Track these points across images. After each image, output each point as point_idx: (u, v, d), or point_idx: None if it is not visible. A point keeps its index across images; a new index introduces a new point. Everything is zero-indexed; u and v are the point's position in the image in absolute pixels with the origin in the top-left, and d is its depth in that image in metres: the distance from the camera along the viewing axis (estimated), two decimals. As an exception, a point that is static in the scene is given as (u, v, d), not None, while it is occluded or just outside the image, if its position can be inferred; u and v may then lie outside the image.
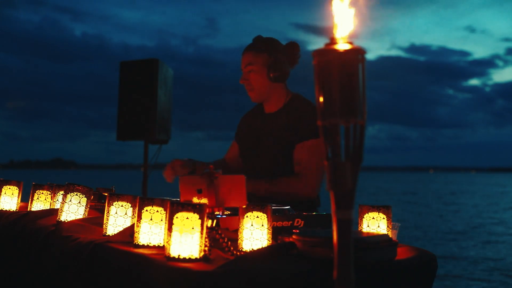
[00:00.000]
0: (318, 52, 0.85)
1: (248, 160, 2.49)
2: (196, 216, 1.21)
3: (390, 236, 1.49)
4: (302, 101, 2.42)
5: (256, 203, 1.40)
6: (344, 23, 0.86)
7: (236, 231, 1.43)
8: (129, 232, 1.44)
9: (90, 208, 1.79)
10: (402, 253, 1.41)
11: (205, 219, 1.23)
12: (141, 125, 5.06)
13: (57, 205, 1.94)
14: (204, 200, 1.36)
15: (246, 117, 2.66)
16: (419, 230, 13.14)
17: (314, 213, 1.67)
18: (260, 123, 2.49)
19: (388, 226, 1.52)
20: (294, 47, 2.39)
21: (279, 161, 2.34)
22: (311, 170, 2.26)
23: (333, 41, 0.86)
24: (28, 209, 2.03)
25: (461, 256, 9.11)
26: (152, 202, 1.38)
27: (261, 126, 2.47)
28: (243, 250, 1.37)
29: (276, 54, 2.34)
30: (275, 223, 1.56)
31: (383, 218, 1.53)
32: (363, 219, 1.55)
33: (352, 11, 0.87)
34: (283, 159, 2.33)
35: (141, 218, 1.38)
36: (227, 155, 2.73)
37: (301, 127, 2.30)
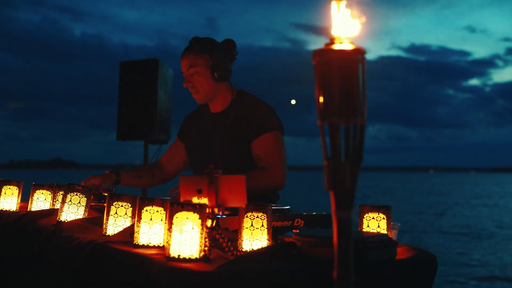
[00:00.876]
0: (318, 52, 0.85)
1: (202, 162, 2.41)
2: (196, 216, 1.21)
3: (390, 236, 1.49)
4: (248, 97, 2.40)
5: (256, 203, 1.40)
6: (344, 23, 0.86)
7: (236, 231, 1.43)
8: (129, 232, 1.44)
9: (90, 208, 1.79)
10: (402, 253, 1.41)
11: (205, 219, 1.23)
12: (141, 125, 5.06)
13: (57, 205, 1.94)
14: (204, 200, 1.36)
15: (191, 118, 2.59)
16: (419, 230, 13.14)
17: (314, 213, 1.68)
18: (209, 124, 2.43)
19: (388, 226, 1.52)
20: (230, 43, 2.39)
21: (235, 159, 2.31)
22: (274, 162, 2.25)
23: (333, 41, 0.86)
24: (28, 209, 2.03)
25: (460, 260, 9.10)
26: (152, 202, 1.38)
27: (211, 127, 2.42)
28: (243, 250, 1.37)
29: (217, 53, 2.31)
30: (275, 223, 1.56)
31: (383, 218, 1.53)
32: (363, 219, 1.55)
33: (351, 11, 0.87)
34: (239, 158, 2.30)
35: (141, 218, 1.38)
36: (165, 156, 2.63)
37: (253, 123, 2.29)
